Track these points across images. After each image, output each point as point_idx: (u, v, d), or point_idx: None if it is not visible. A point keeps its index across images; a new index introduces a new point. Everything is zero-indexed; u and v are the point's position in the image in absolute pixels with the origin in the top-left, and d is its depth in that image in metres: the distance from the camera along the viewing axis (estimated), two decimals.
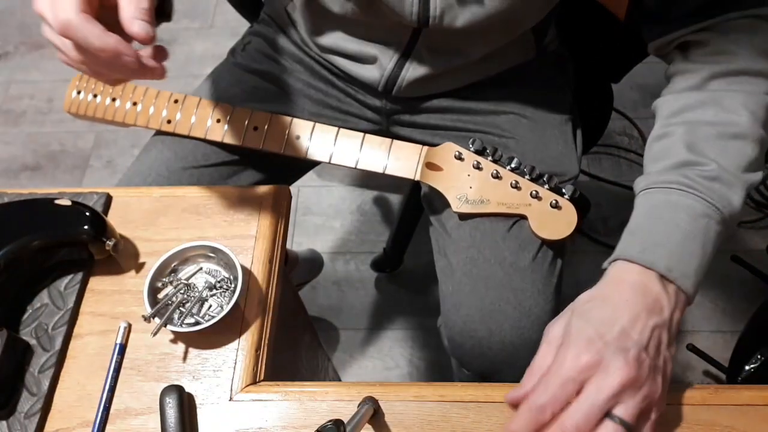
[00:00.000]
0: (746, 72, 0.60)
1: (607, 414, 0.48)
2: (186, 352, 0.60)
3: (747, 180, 0.57)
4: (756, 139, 0.58)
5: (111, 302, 0.63)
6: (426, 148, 0.73)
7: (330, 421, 0.48)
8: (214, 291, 0.62)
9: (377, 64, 0.78)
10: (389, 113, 0.85)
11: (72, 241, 0.62)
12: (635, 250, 0.55)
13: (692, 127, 0.60)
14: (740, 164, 0.57)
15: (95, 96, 0.85)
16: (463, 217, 0.75)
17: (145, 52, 0.50)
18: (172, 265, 0.62)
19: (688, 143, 0.59)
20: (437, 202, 0.80)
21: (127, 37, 0.48)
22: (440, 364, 1.34)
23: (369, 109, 0.86)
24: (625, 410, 0.48)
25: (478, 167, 0.72)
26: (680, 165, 0.58)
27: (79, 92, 0.86)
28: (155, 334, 0.58)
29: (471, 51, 0.76)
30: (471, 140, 0.72)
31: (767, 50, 0.59)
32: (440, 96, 0.82)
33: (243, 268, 0.61)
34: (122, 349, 0.60)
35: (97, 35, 0.47)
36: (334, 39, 0.80)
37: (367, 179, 1.61)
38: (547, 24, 0.82)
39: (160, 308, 0.59)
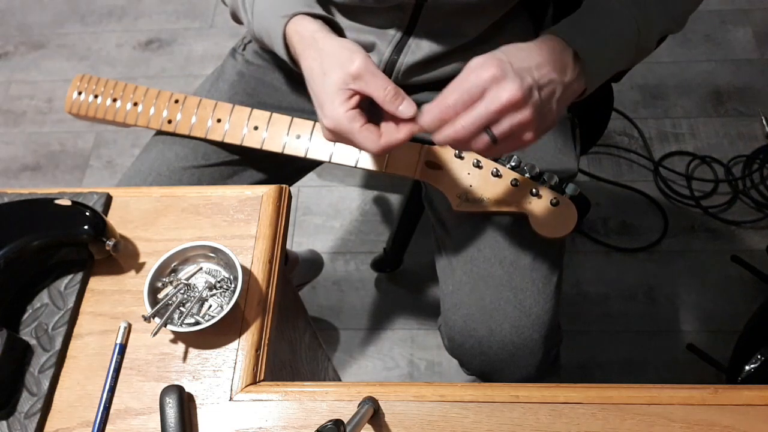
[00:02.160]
0: None
1: (485, 127, 0.56)
2: (186, 352, 0.60)
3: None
4: None
5: (111, 302, 0.63)
6: (426, 146, 0.74)
7: (330, 421, 0.48)
8: (214, 291, 0.62)
9: (375, 51, 0.78)
10: None
11: (72, 241, 0.62)
12: (564, 31, 0.62)
13: None
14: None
15: (96, 97, 0.85)
16: (463, 215, 0.75)
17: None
18: (172, 265, 0.62)
19: None
20: (437, 200, 0.80)
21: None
22: (440, 364, 1.34)
23: None
24: (499, 128, 0.56)
25: (478, 166, 0.72)
26: None
27: (80, 93, 0.86)
28: (155, 334, 0.58)
29: (468, 29, 0.76)
30: None
31: None
32: (439, 88, 0.82)
33: (243, 268, 0.61)
34: (122, 349, 0.60)
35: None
36: None
37: (367, 179, 1.61)
38: (544, 10, 0.82)
39: (160, 308, 0.59)
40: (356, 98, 0.62)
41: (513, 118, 0.56)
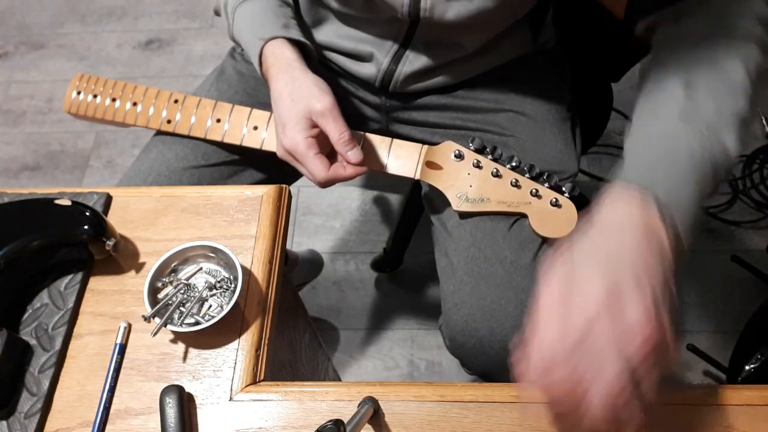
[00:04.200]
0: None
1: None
2: (186, 352, 0.60)
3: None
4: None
5: (111, 302, 0.63)
6: (426, 146, 0.74)
7: (330, 421, 0.48)
8: (214, 291, 0.62)
9: (373, 60, 0.79)
10: (388, 110, 0.85)
11: (72, 241, 0.62)
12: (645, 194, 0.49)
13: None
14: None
15: (95, 96, 0.85)
16: (464, 215, 0.75)
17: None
18: (172, 265, 0.62)
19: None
20: (438, 201, 0.80)
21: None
22: (440, 364, 1.34)
23: (369, 106, 0.86)
24: (648, 385, 0.43)
25: (478, 166, 0.72)
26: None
27: (79, 92, 0.86)
28: (155, 334, 0.58)
29: (466, 43, 0.76)
30: (471, 139, 0.72)
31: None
32: (439, 92, 0.83)
33: (243, 268, 0.61)
34: (122, 349, 0.60)
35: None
36: (331, 37, 0.80)
37: (367, 179, 1.61)
38: (543, 17, 0.82)
39: (160, 308, 0.59)
40: (316, 130, 0.69)
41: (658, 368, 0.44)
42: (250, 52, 0.74)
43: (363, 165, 0.69)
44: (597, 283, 0.44)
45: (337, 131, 0.67)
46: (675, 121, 0.55)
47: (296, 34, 0.73)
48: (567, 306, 0.44)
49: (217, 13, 0.83)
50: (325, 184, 0.69)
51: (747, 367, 1.06)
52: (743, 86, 0.57)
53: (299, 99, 0.68)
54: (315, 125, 0.68)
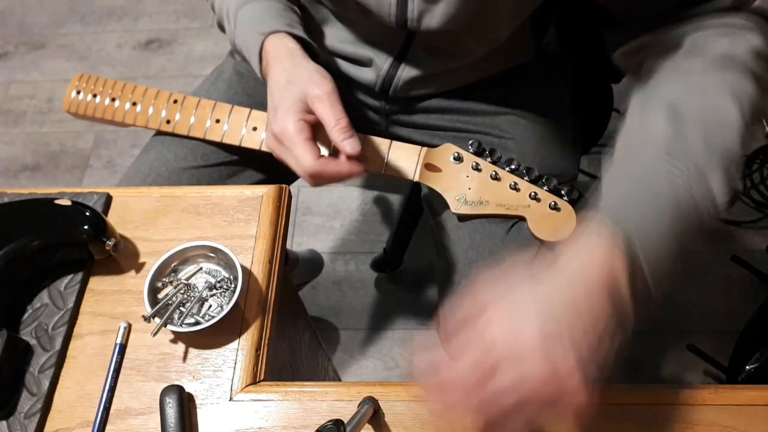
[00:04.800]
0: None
1: None
2: (186, 352, 0.60)
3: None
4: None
5: (111, 302, 0.63)
6: (425, 149, 0.73)
7: (330, 421, 0.48)
8: (214, 291, 0.62)
9: (373, 66, 0.78)
10: (388, 113, 0.85)
11: (72, 241, 0.62)
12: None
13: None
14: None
15: (95, 96, 0.85)
16: (462, 218, 0.75)
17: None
18: (172, 265, 0.62)
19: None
20: (437, 203, 0.80)
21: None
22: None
23: (369, 109, 0.86)
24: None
25: (476, 168, 0.72)
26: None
27: (78, 92, 0.86)
28: (155, 334, 0.58)
29: (465, 53, 0.76)
30: (470, 141, 0.72)
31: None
32: (439, 96, 0.82)
33: (243, 268, 0.61)
34: (122, 349, 0.60)
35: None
36: (332, 41, 0.80)
37: (367, 179, 1.61)
38: (546, 25, 0.81)
39: (160, 308, 0.59)
40: (311, 117, 0.62)
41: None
42: (250, 51, 0.70)
43: (361, 161, 0.62)
44: (528, 332, 0.43)
45: (333, 116, 0.59)
46: (661, 157, 0.50)
47: (300, 32, 0.69)
48: (492, 339, 0.44)
49: (221, 27, 0.78)
50: (314, 177, 0.61)
51: (747, 367, 1.06)
52: (736, 125, 0.51)
53: (296, 82, 0.62)
54: (310, 111, 0.62)
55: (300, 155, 0.60)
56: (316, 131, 0.63)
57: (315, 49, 0.70)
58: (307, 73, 0.63)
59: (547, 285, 0.46)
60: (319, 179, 0.61)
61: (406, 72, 0.77)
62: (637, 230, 0.47)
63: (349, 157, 0.61)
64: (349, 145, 0.59)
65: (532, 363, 0.42)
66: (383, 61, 0.77)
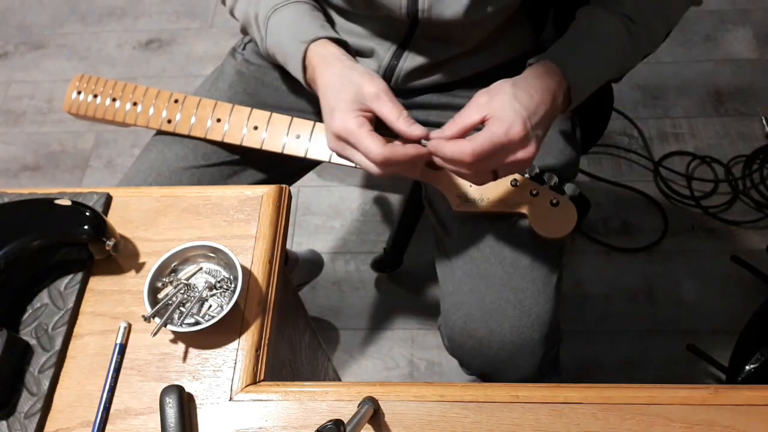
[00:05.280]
0: None
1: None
2: (186, 352, 0.60)
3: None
4: None
5: (111, 302, 0.63)
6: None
7: (330, 421, 0.48)
8: (214, 291, 0.62)
9: (374, 56, 0.79)
10: None
11: (72, 241, 0.62)
12: (564, 60, 0.67)
13: None
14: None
15: (95, 96, 0.85)
16: (464, 215, 0.75)
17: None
18: (172, 265, 0.62)
19: None
20: (438, 201, 0.80)
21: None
22: (440, 364, 1.34)
23: None
24: (505, 169, 0.63)
25: None
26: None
27: (79, 93, 0.86)
28: (155, 334, 0.58)
29: (467, 39, 0.77)
30: None
31: None
32: (439, 92, 0.82)
33: (243, 268, 0.61)
34: (122, 349, 0.60)
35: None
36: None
37: (367, 179, 1.61)
38: (546, 13, 0.82)
39: (160, 308, 0.59)
40: (367, 114, 0.64)
41: (521, 162, 0.62)
42: (289, 58, 0.72)
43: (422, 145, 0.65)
44: (507, 102, 0.62)
45: (395, 110, 0.63)
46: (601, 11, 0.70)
47: (335, 33, 0.72)
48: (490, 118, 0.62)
49: (244, 31, 0.80)
50: (385, 163, 0.62)
51: (747, 367, 1.06)
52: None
53: (349, 84, 0.65)
54: (365, 109, 0.64)
55: (367, 145, 0.62)
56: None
57: (350, 49, 0.72)
58: (359, 75, 0.65)
59: (521, 89, 0.63)
60: (389, 164, 0.62)
61: (408, 62, 0.78)
62: (573, 69, 0.67)
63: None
64: (417, 129, 0.63)
65: (513, 121, 0.60)
66: (385, 52, 0.78)
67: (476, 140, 0.60)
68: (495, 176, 0.63)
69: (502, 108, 0.61)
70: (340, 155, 0.67)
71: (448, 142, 0.61)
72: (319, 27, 0.71)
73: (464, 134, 0.62)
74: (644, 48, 0.74)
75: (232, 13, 0.80)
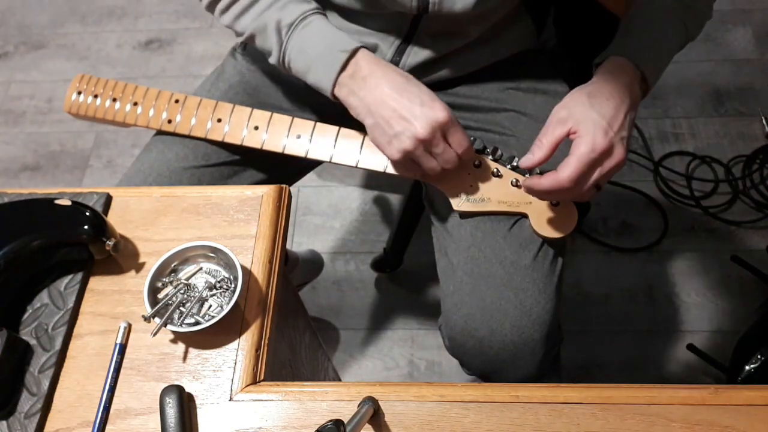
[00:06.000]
0: None
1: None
2: (186, 352, 0.60)
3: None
4: None
5: (111, 302, 0.63)
6: None
7: (330, 421, 0.48)
8: (214, 291, 0.62)
9: (377, 52, 0.78)
10: None
11: (72, 241, 0.62)
12: (630, 50, 0.69)
13: None
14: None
15: (96, 97, 0.85)
16: (464, 215, 0.75)
17: None
18: (172, 265, 0.62)
19: None
20: (438, 200, 0.80)
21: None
22: (440, 364, 1.34)
23: None
24: (604, 180, 0.66)
25: (478, 166, 0.72)
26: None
27: (79, 93, 0.86)
28: (155, 334, 0.58)
29: (470, 31, 0.77)
30: (472, 139, 0.72)
31: None
32: (442, 89, 0.82)
33: (243, 268, 0.61)
34: (122, 349, 0.60)
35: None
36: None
37: (367, 179, 1.61)
38: (547, 9, 0.82)
39: (160, 308, 0.59)
40: None
41: (615, 168, 0.65)
42: (322, 66, 0.70)
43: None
44: (596, 133, 0.63)
45: (466, 138, 0.69)
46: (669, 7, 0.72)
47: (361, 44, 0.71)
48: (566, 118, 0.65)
49: (250, 40, 0.76)
50: (465, 155, 0.69)
51: (747, 367, 1.06)
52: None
53: (415, 82, 0.68)
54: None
55: (460, 137, 0.67)
56: None
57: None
58: (428, 96, 0.68)
59: (592, 89, 0.66)
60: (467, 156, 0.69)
61: (411, 58, 0.78)
62: (644, 60, 0.69)
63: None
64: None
65: (594, 134, 0.63)
66: (388, 47, 0.78)
67: (567, 167, 0.63)
68: (598, 188, 0.67)
69: (582, 121, 0.64)
70: (421, 153, 0.68)
71: (542, 179, 0.65)
72: (345, 36, 0.71)
73: (553, 152, 0.65)
74: (702, 12, 0.76)
75: (232, 23, 0.76)
